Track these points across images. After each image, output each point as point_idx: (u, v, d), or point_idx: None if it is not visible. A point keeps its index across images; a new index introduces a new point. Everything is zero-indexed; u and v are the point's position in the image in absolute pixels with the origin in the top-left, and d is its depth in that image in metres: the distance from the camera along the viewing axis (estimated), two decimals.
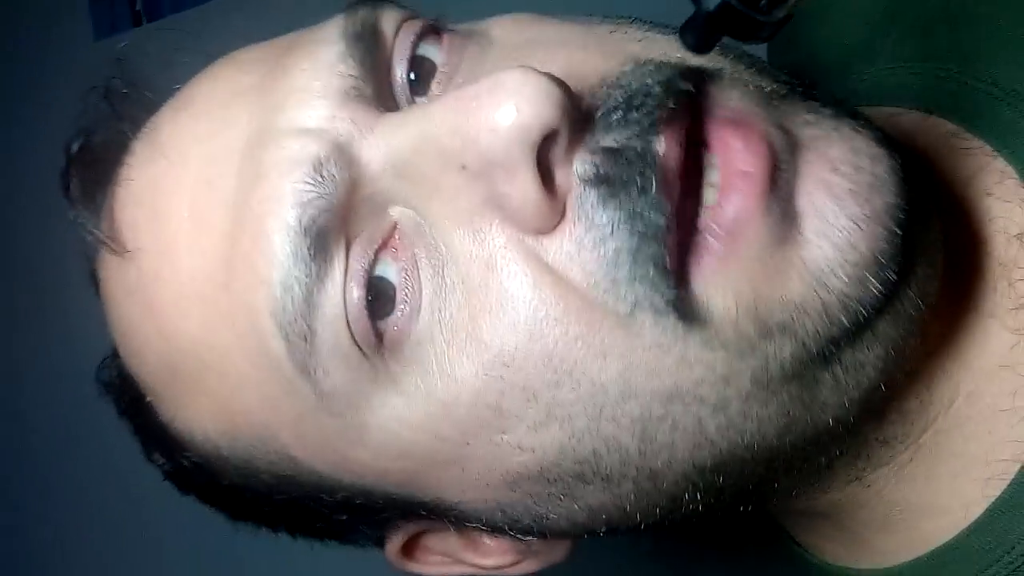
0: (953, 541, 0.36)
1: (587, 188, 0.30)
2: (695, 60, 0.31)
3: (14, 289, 1.58)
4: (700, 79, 0.31)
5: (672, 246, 0.29)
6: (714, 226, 0.30)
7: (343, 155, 0.31)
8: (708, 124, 0.31)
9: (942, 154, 0.38)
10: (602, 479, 0.32)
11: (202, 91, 0.35)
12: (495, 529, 0.36)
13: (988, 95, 0.38)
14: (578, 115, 0.30)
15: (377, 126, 0.31)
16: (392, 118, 0.32)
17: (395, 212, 0.32)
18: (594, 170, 0.30)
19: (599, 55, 0.32)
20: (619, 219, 0.29)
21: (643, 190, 0.29)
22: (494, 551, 0.38)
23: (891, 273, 0.30)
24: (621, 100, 0.30)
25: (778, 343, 0.30)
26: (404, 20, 0.34)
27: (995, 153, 0.37)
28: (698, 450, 0.31)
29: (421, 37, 0.34)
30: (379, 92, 0.33)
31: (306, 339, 0.31)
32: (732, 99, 0.31)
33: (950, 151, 0.38)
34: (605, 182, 0.29)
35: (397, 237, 0.32)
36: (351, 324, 0.31)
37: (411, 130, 0.31)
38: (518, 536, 0.36)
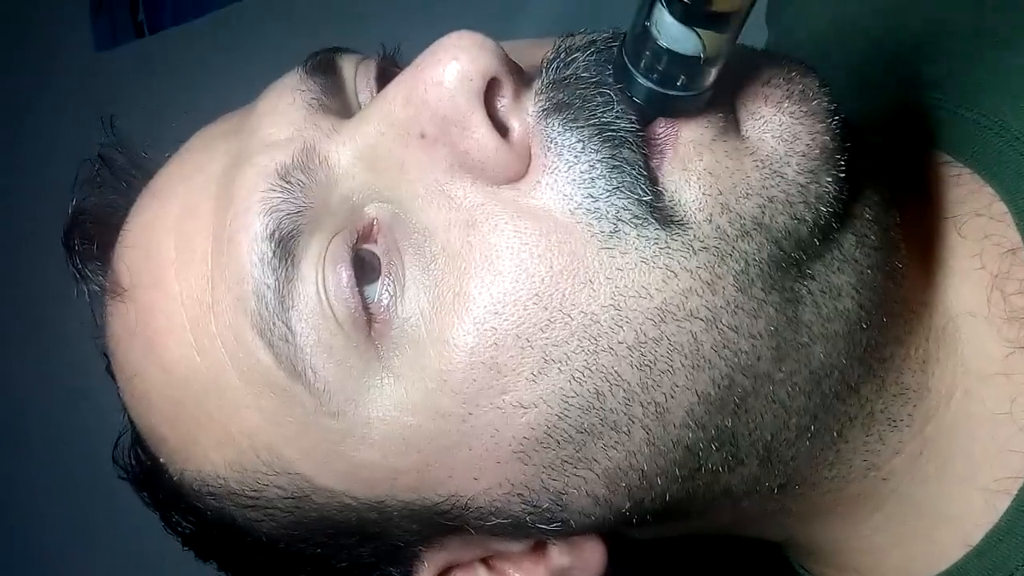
0: (955, 566, 0.37)
1: (548, 120, 0.31)
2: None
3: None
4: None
5: (641, 149, 0.30)
6: (659, 130, 0.31)
7: (311, 159, 0.32)
8: None
9: (934, 179, 0.39)
10: (611, 428, 0.32)
11: (188, 145, 0.38)
12: (518, 528, 0.35)
13: (976, 124, 0.39)
14: (520, 70, 0.32)
15: (343, 128, 0.33)
16: (355, 117, 0.33)
17: (372, 209, 0.33)
18: (549, 102, 0.31)
19: (547, 46, 0.33)
20: (588, 134, 0.31)
21: (607, 103, 0.30)
22: None
23: (840, 171, 0.31)
24: (564, 49, 0.32)
25: (756, 243, 0.31)
26: (360, 62, 0.36)
27: (983, 182, 0.38)
28: (698, 373, 0.31)
29: (381, 72, 0.36)
30: (343, 108, 0.35)
31: (287, 340, 0.32)
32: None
33: (942, 177, 0.39)
34: (566, 107, 0.31)
35: (376, 230, 0.33)
36: (341, 306, 0.31)
37: (372, 119, 0.32)
38: (542, 528, 0.35)
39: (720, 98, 0.31)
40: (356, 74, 0.36)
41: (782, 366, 0.32)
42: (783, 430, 0.34)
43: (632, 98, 0.30)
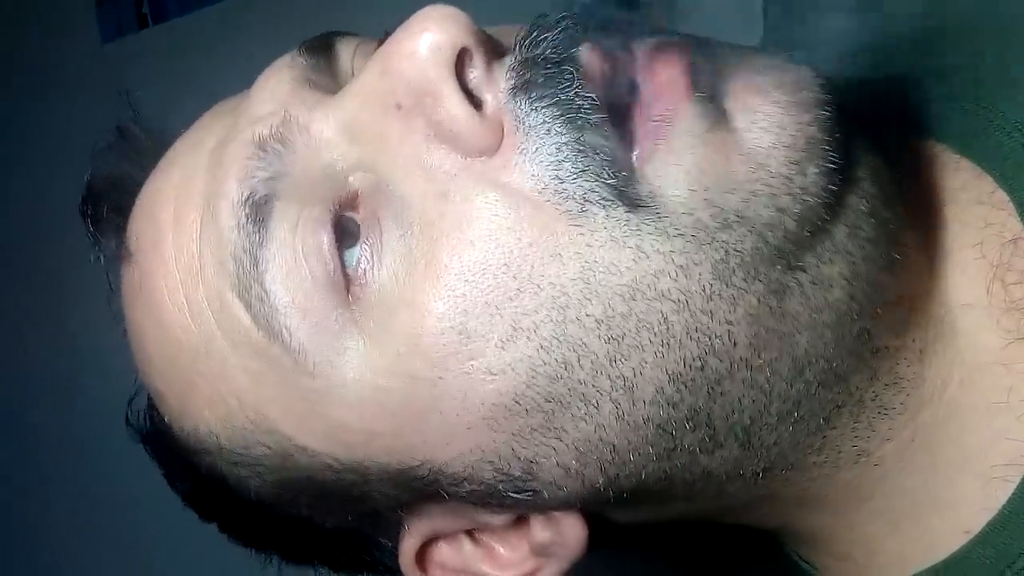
0: (957, 553, 0.37)
1: (517, 97, 0.32)
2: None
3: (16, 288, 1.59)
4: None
5: (610, 132, 0.31)
6: (648, 118, 0.31)
7: (289, 129, 0.34)
8: (634, 54, 0.32)
9: (935, 169, 0.39)
10: (579, 399, 0.32)
11: (196, 123, 0.39)
12: (491, 496, 0.35)
13: (975, 116, 0.39)
14: (496, 45, 0.33)
15: (328, 101, 0.34)
16: (340, 91, 0.34)
17: (355, 179, 0.33)
18: (519, 80, 0.32)
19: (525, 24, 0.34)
20: (552, 115, 0.31)
21: (568, 83, 0.31)
22: (512, 562, 0.38)
23: (829, 163, 0.31)
24: (538, 26, 0.32)
25: (737, 234, 0.31)
26: (360, 43, 0.37)
27: (981, 172, 0.38)
28: (668, 351, 0.32)
29: None
30: (333, 85, 0.35)
31: (263, 300, 0.33)
32: (654, 28, 0.33)
33: (943, 167, 0.39)
34: (533, 85, 0.32)
35: (359, 201, 0.33)
36: (319, 267, 0.33)
37: (353, 91, 0.33)
38: (515, 496, 0.35)
39: (714, 87, 0.31)
40: (355, 54, 0.36)
41: (761, 353, 0.32)
42: (763, 415, 0.34)
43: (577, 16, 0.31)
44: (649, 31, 0.33)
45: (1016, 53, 0.39)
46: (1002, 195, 0.37)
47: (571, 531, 0.37)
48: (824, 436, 0.36)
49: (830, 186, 0.31)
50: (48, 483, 1.61)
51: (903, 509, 0.38)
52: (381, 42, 0.36)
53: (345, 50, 0.37)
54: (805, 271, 0.32)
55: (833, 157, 0.31)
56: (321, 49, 0.36)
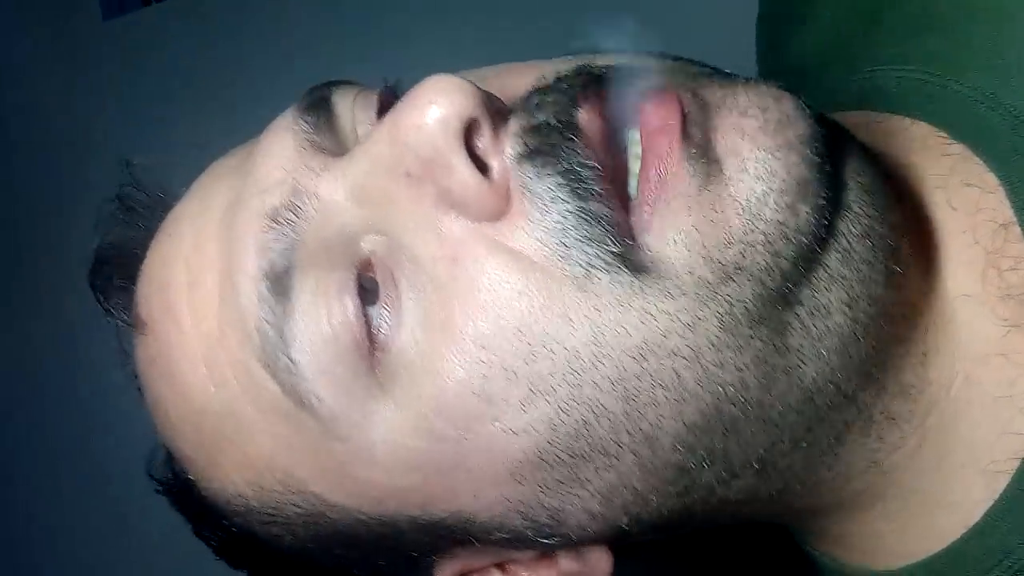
0: (954, 545, 0.37)
1: (523, 165, 0.32)
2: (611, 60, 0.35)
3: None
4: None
5: (611, 202, 0.32)
6: (644, 182, 0.32)
7: (299, 198, 0.34)
8: (629, 112, 0.33)
9: (922, 155, 0.39)
10: (600, 452, 0.33)
11: (199, 181, 0.39)
12: (521, 540, 0.36)
13: (967, 99, 0.39)
14: (501, 107, 0.33)
15: (335, 165, 0.34)
16: (346, 156, 0.35)
17: (367, 242, 0.34)
18: (524, 147, 0.33)
19: (531, 74, 0.35)
20: (556, 184, 0.32)
21: (570, 152, 0.32)
22: None
23: (820, 198, 0.32)
24: (540, 88, 0.34)
25: (738, 284, 0.32)
26: (358, 94, 0.37)
27: (972, 155, 0.38)
28: (683, 405, 0.32)
29: (382, 105, 0.37)
30: (336, 145, 0.36)
31: (291, 371, 0.33)
32: (646, 73, 0.34)
33: (929, 151, 0.39)
34: (537, 154, 0.32)
35: (373, 263, 0.34)
36: (346, 334, 0.33)
37: (360, 158, 0.34)
38: (544, 542, 0.36)
39: (704, 137, 0.32)
40: (354, 106, 0.37)
41: (772, 390, 0.33)
42: (777, 444, 0.35)
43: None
44: (644, 82, 0.33)
45: (1008, 36, 0.39)
46: (992, 178, 0.37)
47: (598, 562, 0.38)
48: (836, 453, 0.36)
49: (823, 221, 0.32)
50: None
51: (910, 508, 0.38)
52: (381, 95, 0.37)
53: (343, 103, 0.37)
54: (802, 304, 0.33)
55: (824, 192, 0.32)
56: (320, 107, 0.36)
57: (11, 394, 1.59)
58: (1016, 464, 0.36)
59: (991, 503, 0.36)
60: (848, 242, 0.33)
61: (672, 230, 0.32)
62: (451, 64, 0.36)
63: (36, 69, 1.61)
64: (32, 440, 1.60)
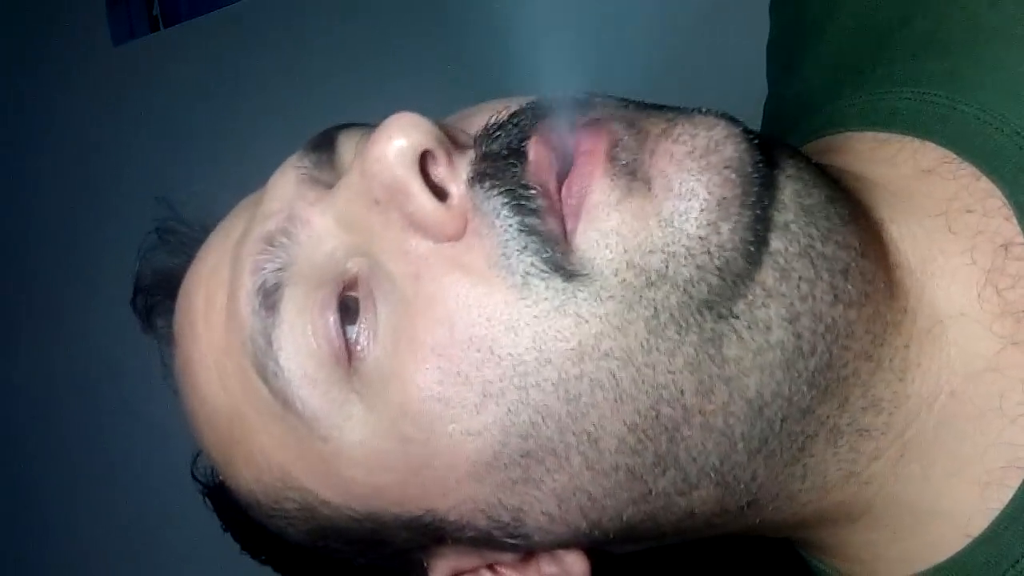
0: (959, 555, 0.37)
1: (476, 187, 0.36)
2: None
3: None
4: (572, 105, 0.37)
5: (548, 216, 0.35)
6: (567, 197, 0.35)
7: (293, 224, 0.38)
8: (572, 140, 0.36)
9: (927, 179, 0.40)
10: (550, 453, 0.35)
11: (228, 215, 0.44)
12: (491, 540, 0.39)
13: (976, 119, 0.39)
14: (465, 140, 0.37)
15: (325, 197, 0.38)
16: (334, 188, 0.39)
17: (353, 263, 0.38)
18: (475, 172, 0.36)
19: (491, 112, 0.38)
20: (501, 203, 0.35)
21: (514, 175, 0.35)
22: None
23: (744, 217, 0.34)
24: (496, 124, 0.37)
25: (662, 291, 0.34)
26: (364, 134, 0.40)
27: (980, 175, 0.38)
28: (621, 404, 0.35)
29: None
30: (335, 179, 0.39)
31: (278, 376, 0.37)
32: (594, 111, 0.37)
33: (934, 176, 0.40)
34: (488, 177, 0.36)
35: (358, 281, 0.38)
36: (326, 345, 0.37)
37: (342, 188, 0.38)
38: (511, 542, 0.39)
39: (634, 162, 0.35)
40: (358, 145, 0.40)
41: (711, 398, 0.35)
42: (731, 454, 0.36)
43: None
44: (582, 116, 0.37)
45: (1017, 57, 0.40)
46: (995, 202, 0.38)
47: (572, 566, 0.40)
48: (804, 464, 0.37)
49: (747, 239, 0.34)
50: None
51: (901, 518, 0.38)
52: None
53: (347, 142, 0.41)
54: (738, 317, 0.34)
55: (747, 212, 0.34)
56: (323, 146, 0.41)
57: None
58: (1015, 474, 0.36)
59: (993, 512, 0.36)
60: (785, 260, 0.34)
61: (596, 232, 0.34)
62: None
63: (46, 94, 1.62)
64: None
